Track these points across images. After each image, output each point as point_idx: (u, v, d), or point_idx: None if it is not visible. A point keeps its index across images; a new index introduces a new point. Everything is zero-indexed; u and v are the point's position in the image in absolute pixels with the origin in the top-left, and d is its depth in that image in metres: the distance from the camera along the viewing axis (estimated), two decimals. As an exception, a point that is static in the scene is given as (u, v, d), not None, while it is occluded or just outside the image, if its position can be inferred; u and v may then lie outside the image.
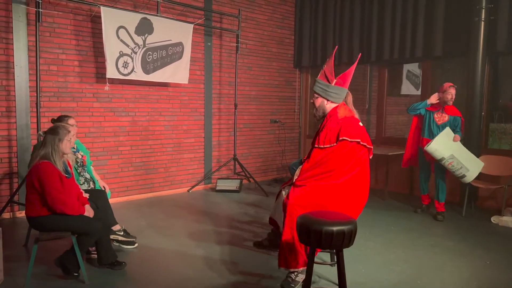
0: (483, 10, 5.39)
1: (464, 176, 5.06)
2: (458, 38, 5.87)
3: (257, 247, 4.01)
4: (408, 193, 6.67)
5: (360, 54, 3.89)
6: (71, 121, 3.93)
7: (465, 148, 5.14)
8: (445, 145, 4.98)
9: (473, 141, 5.59)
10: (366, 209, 3.60)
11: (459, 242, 4.40)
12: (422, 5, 6.21)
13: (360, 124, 3.35)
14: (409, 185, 6.68)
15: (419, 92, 7.25)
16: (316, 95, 3.44)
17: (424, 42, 6.25)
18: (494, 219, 5.14)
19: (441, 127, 5.17)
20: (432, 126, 5.23)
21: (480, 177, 5.52)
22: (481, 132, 5.71)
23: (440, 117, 5.21)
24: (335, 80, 3.35)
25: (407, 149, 5.57)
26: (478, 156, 5.49)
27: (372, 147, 3.33)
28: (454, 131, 5.13)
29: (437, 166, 5.24)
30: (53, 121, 3.88)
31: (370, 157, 3.36)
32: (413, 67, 8.06)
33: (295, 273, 3.28)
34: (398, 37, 6.54)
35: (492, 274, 3.64)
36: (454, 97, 5.13)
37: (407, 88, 8.22)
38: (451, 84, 5.17)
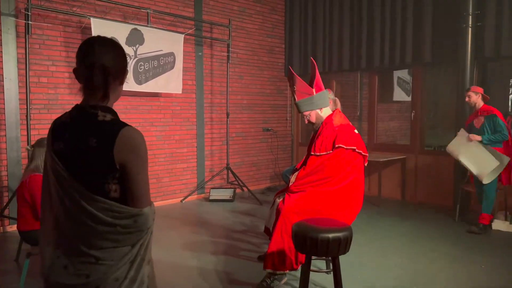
0: (470, 17, 5.47)
1: (478, 176, 4.93)
2: (447, 44, 5.95)
3: (261, 261, 3.91)
4: (401, 199, 6.69)
5: (312, 59, 3.78)
6: None
7: (482, 149, 4.90)
8: (456, 148, 5.09)
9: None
10: (361, 215, 3.61)
11: (454, 247, 4.41)
12: (410, 12, 6.30)
13: (356, 131, 3.37)
14: (402, 191, 6.71)
15: (409, 98, 7.32)
16: (307, 113, 3.45)
17: (414, 49, 6.32)
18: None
19: (480, 130, 5.01)
20: (474, 133, 5.04)
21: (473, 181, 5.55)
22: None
23: (478, 121, 5.07)
24: (313, 89, 3.39)
25: None
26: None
27: (367, 154, 3.35)
28: (493, 130, 4.90)
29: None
30: None
31: (365, 164, 3.37)
32: (403, 74, 8.15)
33: (272, 278, 3.29)
34: (388, 44, 6.61)
35: (487, 278, 3.64)
36: (470, 98, 5.06)
37: (399, 94, 8.31)
38: (469, 87, 5.21)
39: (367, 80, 7.51)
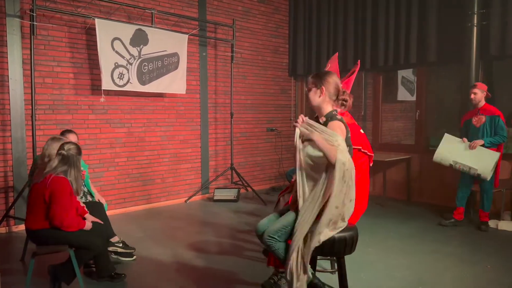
0: (475, 16, 5.45)
1: (479, 175, 4.81)
2: (452, 43, 5.91)
3: (265, 255, 3.93)
4: (406, 199, 6.66)
5: (359, 61, 3.89)
6: (72, 137, 3.95)
7: (478, 148, 4.86)
8: (447, 153, 4.94)
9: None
10: (366, 215, 3.59)
11: (459, 247, 4.39)
12: (415, 11, 6.27)
13: (361, 131, 3.35)
14: (407, 191, 6.68)
15: (414, 98, 7.30)
16: None
17: (418, 49, 6.29)
18: (490, 223, 5.13)
19: (480, 130, 4.93)
20: (472, 131, 4.99)
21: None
22: (477, 136, 5.71)
23: (478, 120, 4.97)
24: None
25: None
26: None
27: (373, 154, 3.33)
28: (494, 131, 4.87)
29: None
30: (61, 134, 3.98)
31: (371, 165, 3.35)
32: (407, 73, 8.12)
33: (279, 275, 3.30)
34: (392, 44, 6.58)
35: (493, 278, 3.62)
36: (476, 96, 4.94)
37: (403, 94, 8.28)
38: (474, 83, 5.06)
39: (371, 80, 7.49)
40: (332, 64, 3.47)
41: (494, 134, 4.90)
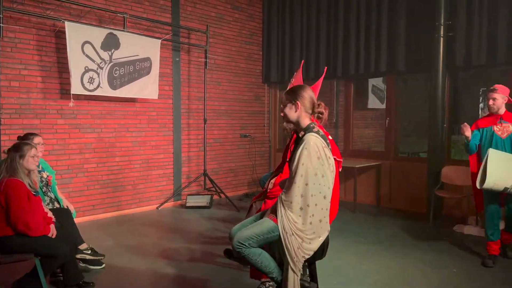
0: (442, 27, 5.63)
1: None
2: (420, 53, 6.09)
3: (227, 256, 3.85)
4: (376, 205, 6.78)
5: (326, 68, 3.94)
6: (36, 139, 3.80)
7: None
8: (502, 172, 3.78)
9: (437, 153, 5.77)
10: (336, 221, 3.63)
11: (427, 252, 4.49)
12: (385, 22, 6.43)
13: (330, 137, 3.40)
14: (377, 197, 6.81)
15: (383, 106, 7.47)
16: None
17: (388, 58, 6.45)
18: (456, 228, 5.28)
19: (508, 140, 3.99)
20: (498, 142, 4.02)
21: (444, 187, 5.70)
22: (443, 143, 5.89)
23: (503, 129, 4.02)
24: None
25: (475, 189, 4.13)
26: (441, 167, 5.67)
27: (341, 160, 3.38)
28: None
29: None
30: (19, 138, 3.75)
31: (340, 170, 3.41)
32: (377, 82, 8.32)
33: (267, 284, 3.29)
34: (363, 53, 6.72)
35: (459, 281, 3.73)
36: (496, 102, 4.00)
37: (373, 102, 8.47)
38: (492, 87, 4.07)
39: (343, 87, 7.62)
40: (296, 79, 3.51)
41: None
